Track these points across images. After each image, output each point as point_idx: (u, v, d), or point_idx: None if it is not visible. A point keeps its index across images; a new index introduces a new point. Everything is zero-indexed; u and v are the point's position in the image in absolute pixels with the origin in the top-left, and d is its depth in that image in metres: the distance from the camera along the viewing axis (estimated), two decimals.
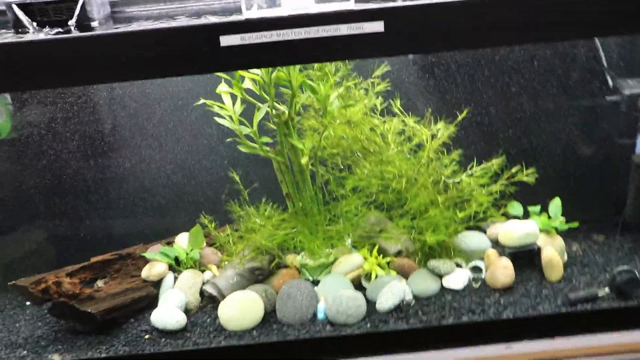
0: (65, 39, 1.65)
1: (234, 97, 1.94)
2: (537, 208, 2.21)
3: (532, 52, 2.21)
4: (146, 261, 2.12)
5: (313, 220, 2.00)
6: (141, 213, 2.30)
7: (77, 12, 2.00)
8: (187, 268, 2.10)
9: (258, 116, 1.87)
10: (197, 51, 1.56)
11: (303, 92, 1.93)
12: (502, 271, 2.03)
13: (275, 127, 1.94)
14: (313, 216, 2.00)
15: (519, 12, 1.53)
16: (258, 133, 1.91)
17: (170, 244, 2.18)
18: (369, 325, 1.92)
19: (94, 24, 2.03)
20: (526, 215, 2.21)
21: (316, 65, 1.88)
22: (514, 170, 2.03)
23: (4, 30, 2.09)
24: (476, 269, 2.10)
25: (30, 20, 2.03)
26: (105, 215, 2.30)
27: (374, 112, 2.01)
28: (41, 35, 1.94)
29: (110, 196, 2.29)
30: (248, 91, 1.95)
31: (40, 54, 1.65)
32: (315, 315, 1.97)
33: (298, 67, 1.86)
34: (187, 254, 2.10)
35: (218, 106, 1.89)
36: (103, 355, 1.88)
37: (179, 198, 2.28)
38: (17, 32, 2.05)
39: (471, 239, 2.15)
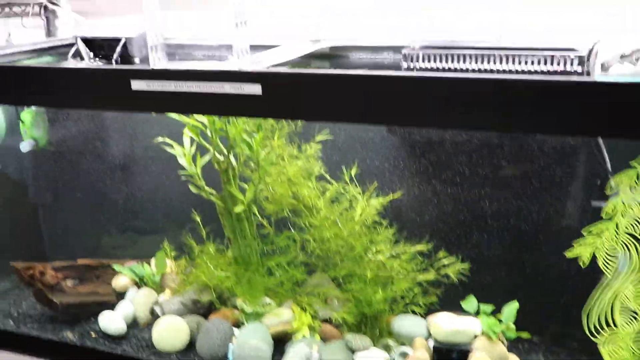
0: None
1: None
2: (490, 308, 2.03)
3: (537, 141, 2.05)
4: None
5: (246, 268, 2.10)
6: (137, 232, 2.61)
7: (118, 49, 2.40)
8: (149, 287, 2.33)
9: (201, 161, 2.05)
10: (113, 91, 1.82)
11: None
12: None
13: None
14: (247, 265, 2.10)
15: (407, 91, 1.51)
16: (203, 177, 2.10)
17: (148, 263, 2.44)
18: None
19: (136, 60, 2.41)
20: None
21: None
22: (446, 261, 1.93)
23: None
24: (403, 355, 2.00)
25: (89, 52, 2.48)
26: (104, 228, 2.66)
27: (320, 177, 2.05)
28: (81, 64, 2.37)
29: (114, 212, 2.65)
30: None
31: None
32: (226, 356, 2.06)
33: (241, 119, 2.01)
34: (151, 275, 2.33)
35: (174, 146, 2.11)
36: (55, 339, 2.21)
37: (169, 225, 2.53)
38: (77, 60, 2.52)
39: (404, 323, 2.05)
